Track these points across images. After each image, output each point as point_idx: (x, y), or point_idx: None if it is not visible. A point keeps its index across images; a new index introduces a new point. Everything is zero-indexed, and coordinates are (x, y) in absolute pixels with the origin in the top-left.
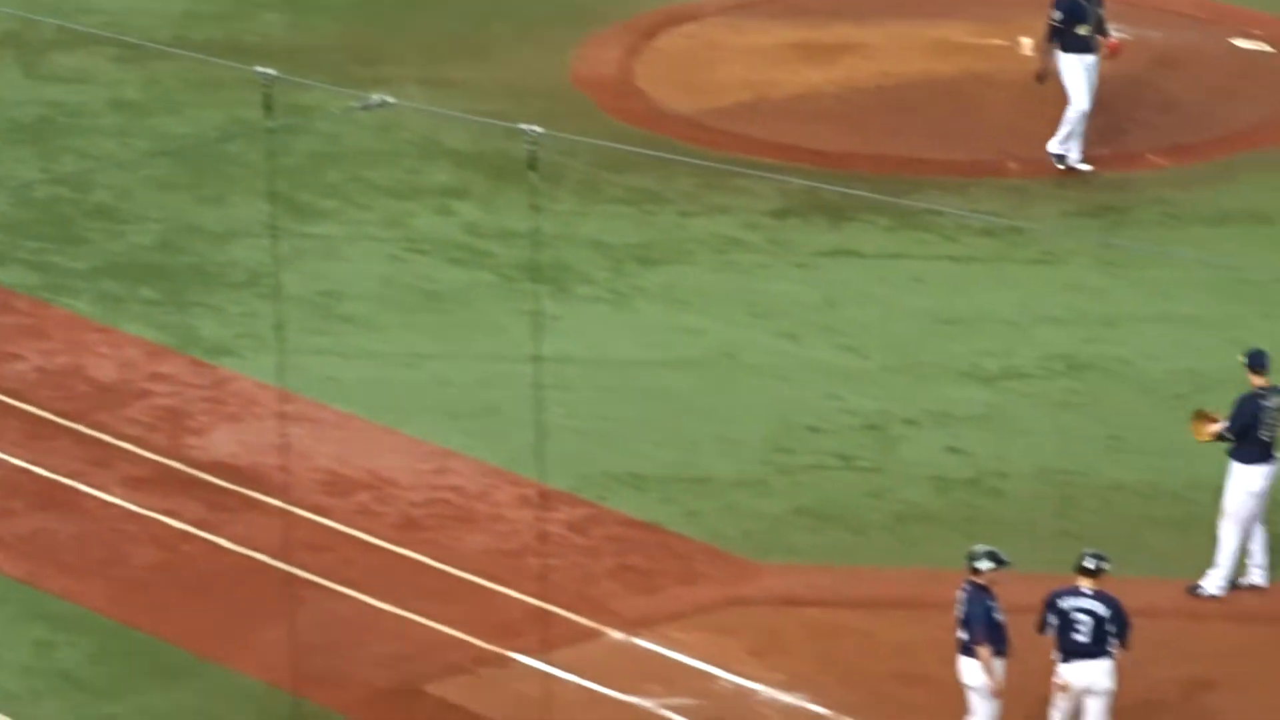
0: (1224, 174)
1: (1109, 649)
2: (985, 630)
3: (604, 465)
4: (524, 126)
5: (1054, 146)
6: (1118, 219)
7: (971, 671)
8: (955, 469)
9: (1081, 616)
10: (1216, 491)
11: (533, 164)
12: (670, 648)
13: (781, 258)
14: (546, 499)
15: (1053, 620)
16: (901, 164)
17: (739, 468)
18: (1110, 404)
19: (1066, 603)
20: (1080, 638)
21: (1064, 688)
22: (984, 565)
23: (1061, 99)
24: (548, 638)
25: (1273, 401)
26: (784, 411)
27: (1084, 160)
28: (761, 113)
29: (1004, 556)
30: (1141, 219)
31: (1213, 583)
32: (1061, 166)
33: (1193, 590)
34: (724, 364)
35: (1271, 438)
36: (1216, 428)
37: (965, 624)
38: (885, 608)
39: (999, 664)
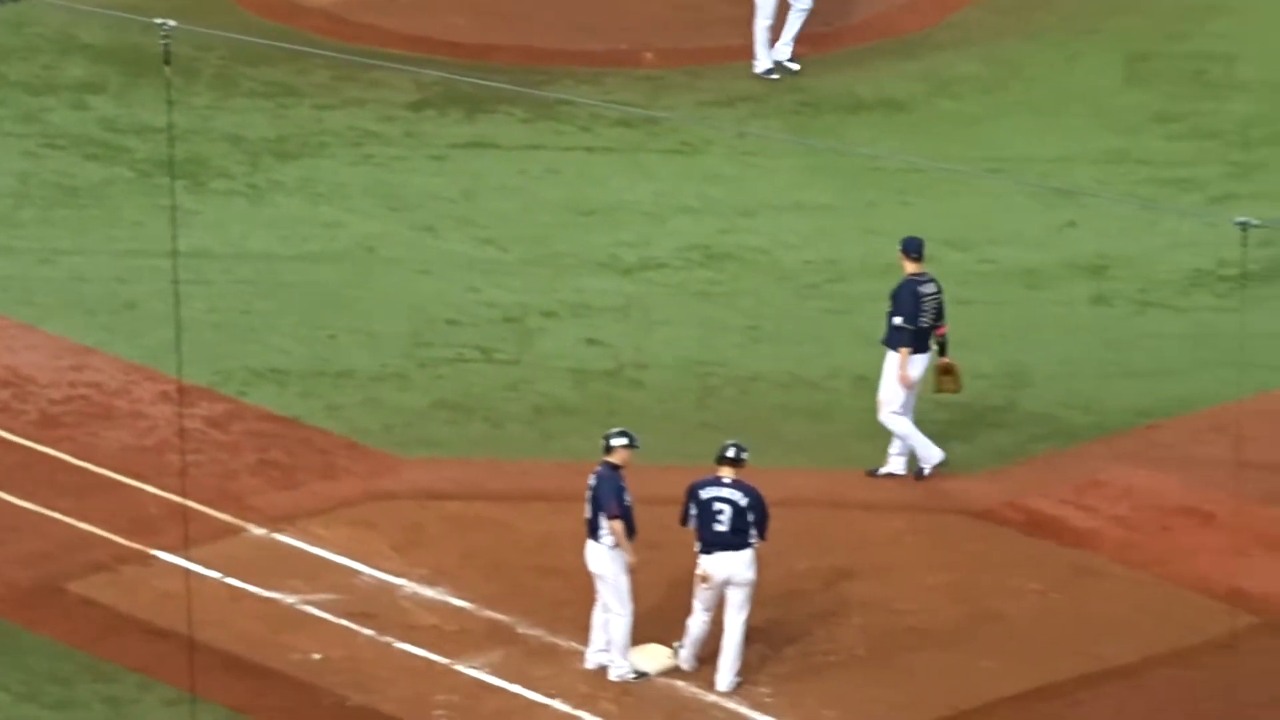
0: (860, 62)
1: (749, 540)
2: (617, 507)
3: (244, 360)
4: (158, 21)
5: (767, 60)
6: (754, 109)
7: (598, 558)
8: (594, 361)
9: (722, 506)
10: (854, 380)
11: (167, 58)
12: (312, 543)
13: (418, 150)
14: (186, 395)
15: (693, 511)
16: (538, 55)
17: (379, 361)
18: (748, 294)
19: (707, 493)
20: (720, 528)
21: (705, 579)
22: (617, 443)
23: None
24: (189, 534)
25: (928, 288)
26: (423, 305)
27: (792, 59)
28: (398, 5)
29: (636, 438)
30: (777, 108)
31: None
32: (776, 76)
33: (872, 473)
34: (362, 257)
35: (929, 325)
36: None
37: (595, 502)
38: (525, 500)
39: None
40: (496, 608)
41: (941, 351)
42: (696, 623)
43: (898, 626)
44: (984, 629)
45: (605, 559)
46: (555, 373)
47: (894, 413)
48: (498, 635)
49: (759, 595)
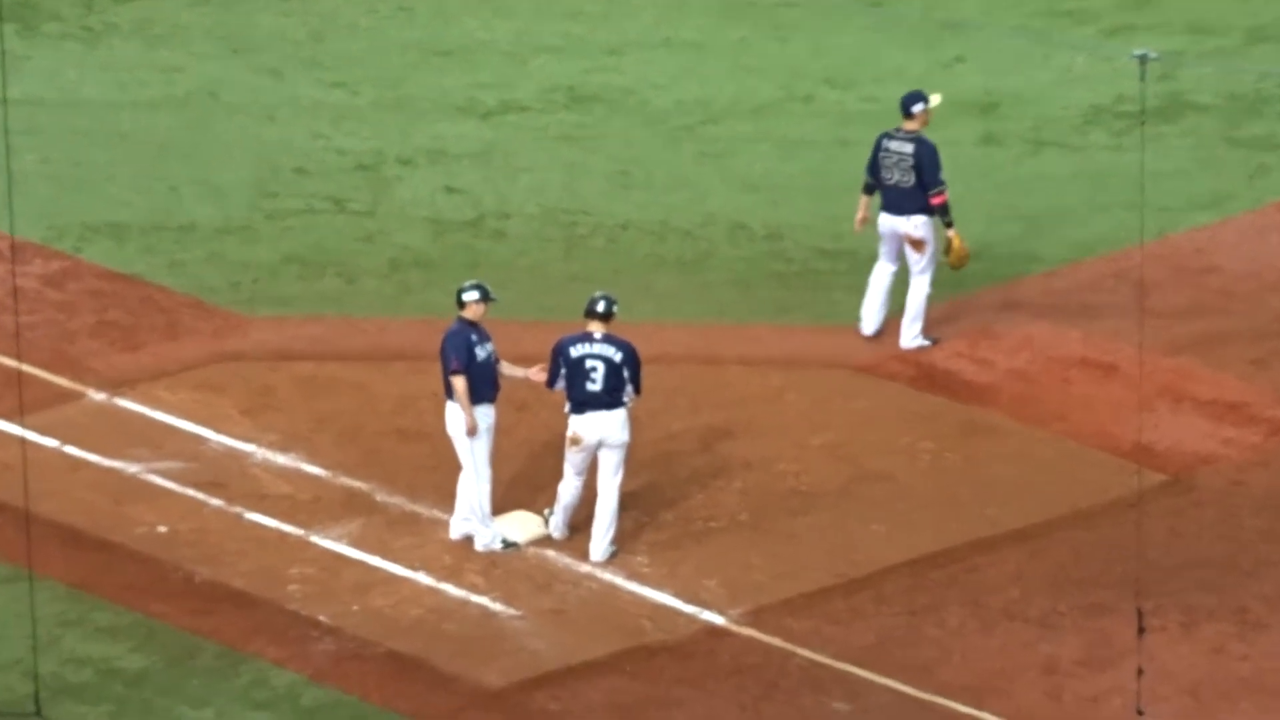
0: None
1: (624, 399)
2: (459, 362)
3: (80, 215)
4: None
5: None
6: None
7: (454, 420)
8: (454, 210)
9: (594, 364)
10: (729, 228)
11: None
12: (155, 408)
13: None
14: (19, 252)
15: (562, 369)
16: None
17: (224, 214)
18: (616, 137)
19: (577, 350)
20: (593, 387)
21: (576, 441)
22: (469, 296)
23: None
24: (24, 400)
25: (896, 144)
26: (269, 153)
27: None
28: None
29: (490, 291)
30: None
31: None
32: None
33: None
34: (204, 104)
35: (892, 181)
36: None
37: (443, 358)
38: (382, 360)
39: (486, 410)
40: (354, 475)
41: (947, 224)
42: (568, 488)
43: (780, 489)
44: (873, 491)
45: (454, 418)
46: (412, 223)
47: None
48: (355, 504)
49: (633, 458)
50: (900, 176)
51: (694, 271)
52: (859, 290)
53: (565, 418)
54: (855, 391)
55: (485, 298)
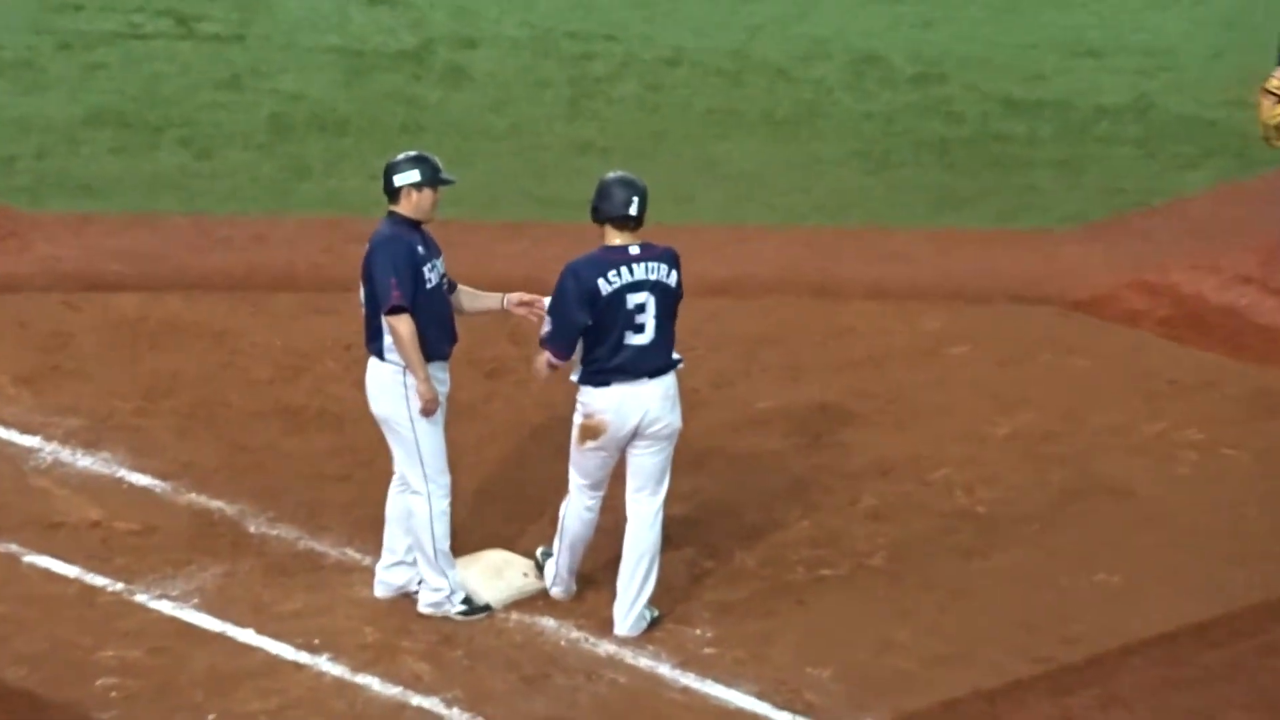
0: None
1: (674, 357)
2: (398, 291)
3: None
4: None
5: None
6: None
7: (380, 388)
8: (380, 34)
9: (641, 298)
10: (853, 62)
11: None
12: None
13: None
14: None
15: (584, 319)
16: None
17: None
18: None
19: (613, 281)
20: (641, 338)
21: (598, 430)
22: (406, 178)
23: None
24: None
25: None
26: None
27: None
28: None
29: (443, 169)
30: None
31: None
32: None
33: None
34: None
35: None
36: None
37: (368, 288)
38: (257, 290)
39: (438, 374)
40: (210, 489)
41: None
42: (578, 512)
43: (940, 511)
44: (1098, 514)
45: (389, 389)
46: (308, 57)
47: None
48: (213, 539)
49: (682, 459)
50: None
51: (789, 138)
52: (1081, 170)
53: (572, 393)
54: (1069, 343)
55: (434, 180)
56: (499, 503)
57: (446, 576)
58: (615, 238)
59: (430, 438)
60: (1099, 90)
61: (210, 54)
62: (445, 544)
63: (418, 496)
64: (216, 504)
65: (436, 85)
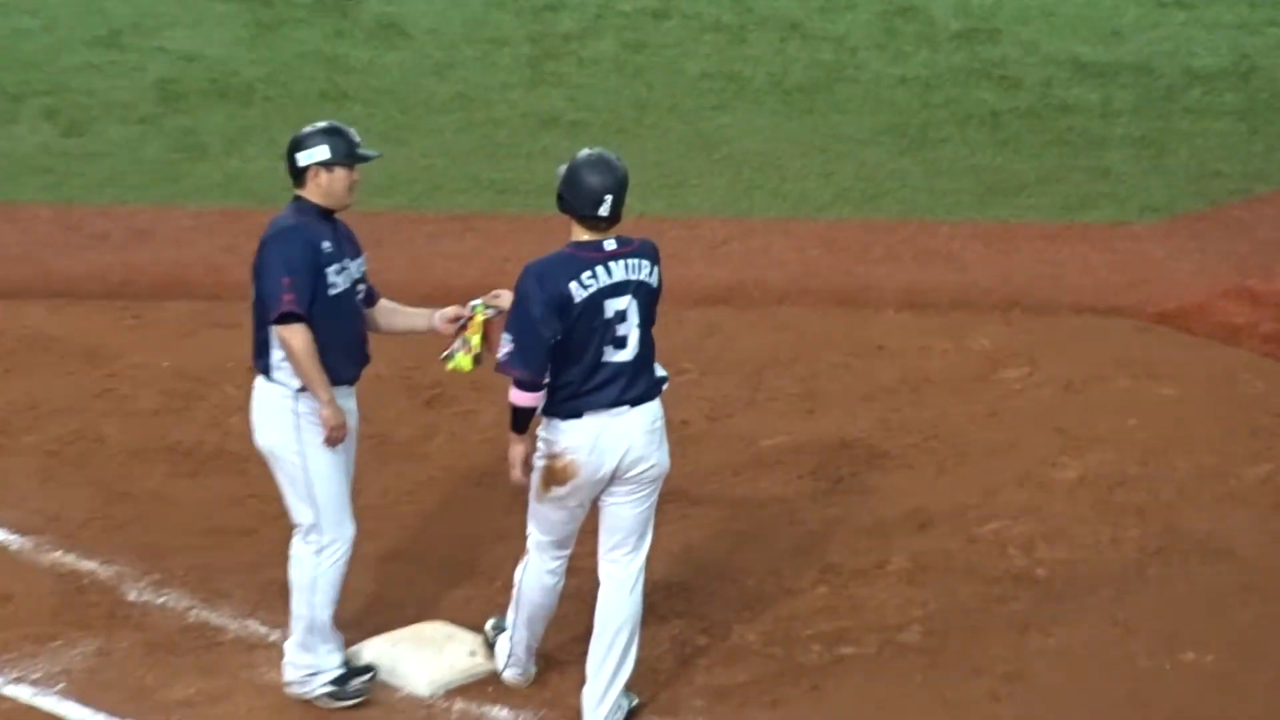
0: None
1: (659, 374)
2: (308, 299)
3: None
4: None
5: None
6: None
7: (267, 413)
8: None
9: (619, 304)
10: (881, 15)
11: None
12: None
13: None
14: None
15: (552, 334)
16: None
17: None
18: None
19: (587, 284)
20: (622, 354)
21: (568, 474)
22: (312, 155)
23: None
24: None
25: None
26: None
27: None
28: None
29: (360, 144)
30: None
31: None
32: None
33: None
34: None
35: None
36: None
37: (260, 284)
38: (121, 297)
39: (346, 400)
40: (67, 543)
41: None
42: (538, 576)
43: (990, 573)
44: (1191, 581)
45: (276, 414)
46: None
47: None
48: (75, 609)
49: (667, 508)
50: None
51: (804, 109)
52: (1167, 149)
53: (532, 426)
54: (1151, 365)
55: (349, 157)
56: (440, 563)
57: (315, 653)
58: (584, 234)
59: (327, 477)
60: (1190, 50)
61: (82, 4)
62: (327, 613)
63: (305, 547)
64: (88, 565)
65: (364, 43)
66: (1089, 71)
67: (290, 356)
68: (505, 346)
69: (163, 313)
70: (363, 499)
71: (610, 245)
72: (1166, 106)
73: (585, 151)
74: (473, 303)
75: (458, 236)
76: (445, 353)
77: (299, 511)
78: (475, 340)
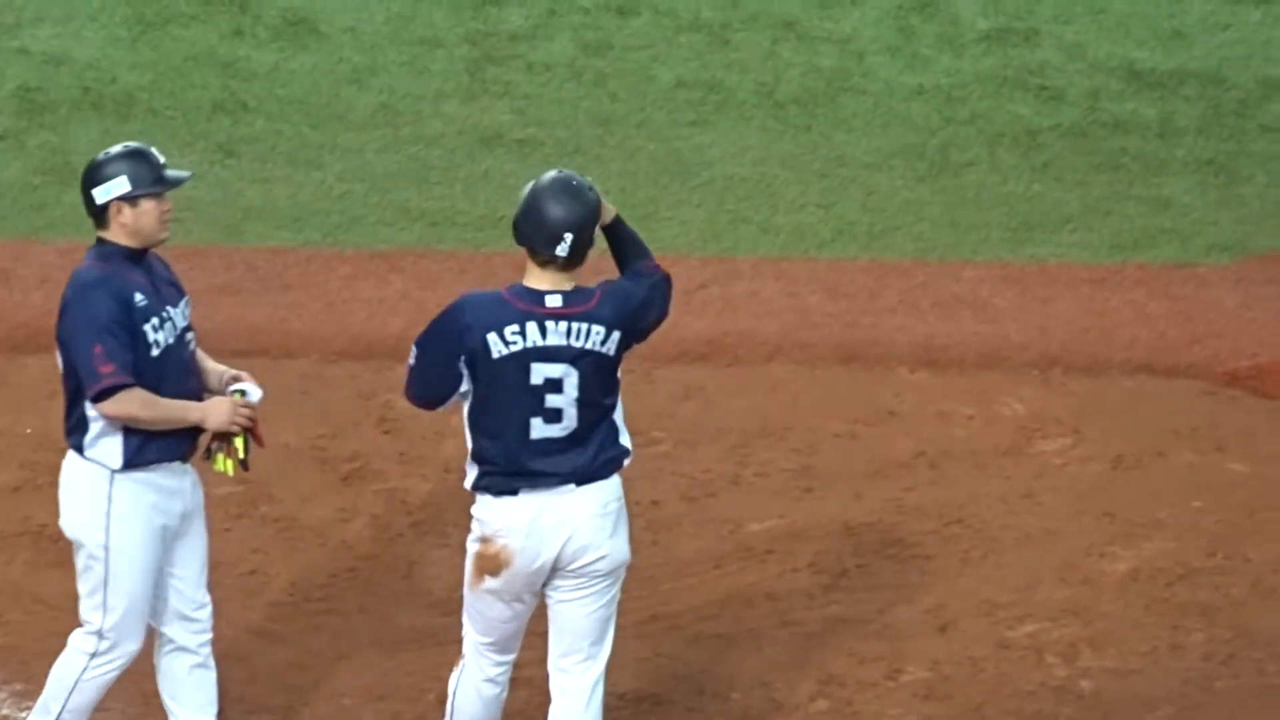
0: None
1: (620, 445)
2: (130, 363)
3: None
4: None
5: None
6: None
7: (77, 496)
8: None
9: (551, 372)
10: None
11: None
12: None
13: None
14: None
15: (466, 388)
16: None
17: None
18: None
19: (510, 342)
20: (551, 428)
21: (500, 563)
22: (110, 188)
23: None
24: None
25: None
26: None
27: None
28: None
29: (165, 166)
30: None
31: None
32: None
33: None
34: None
35: None
36: None
37: (68, 351)
38: None
39: (177, 479)
40: None
41: None
42: (472, 690)
43: (1022, 687)
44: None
45: (86, 498)
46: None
47: None
48: None
49: (630, 608)
50: None
51: (800, 126)
52: (1239, 176)
53: (466, 504)
54: (1219, 436)
55: (155, 183)
56: (358, 671)
57: None
58: (535, 275)
59: (129, 580)
60: (1266, 55)
61: None
62: None
63: (83, 642)
64: None
65: (269, 44)
66: (1145, 81)
67: (137, 426)
68: (411, 358)
69: (24, 370)
70: (265, 595)
71: (554, 301)
72: (1239, 124)
73: (551, 175)
74: (231, 387)
75: (381, 278)
76: (206, 448)
77: (87, 609)
78: (239, 443)
